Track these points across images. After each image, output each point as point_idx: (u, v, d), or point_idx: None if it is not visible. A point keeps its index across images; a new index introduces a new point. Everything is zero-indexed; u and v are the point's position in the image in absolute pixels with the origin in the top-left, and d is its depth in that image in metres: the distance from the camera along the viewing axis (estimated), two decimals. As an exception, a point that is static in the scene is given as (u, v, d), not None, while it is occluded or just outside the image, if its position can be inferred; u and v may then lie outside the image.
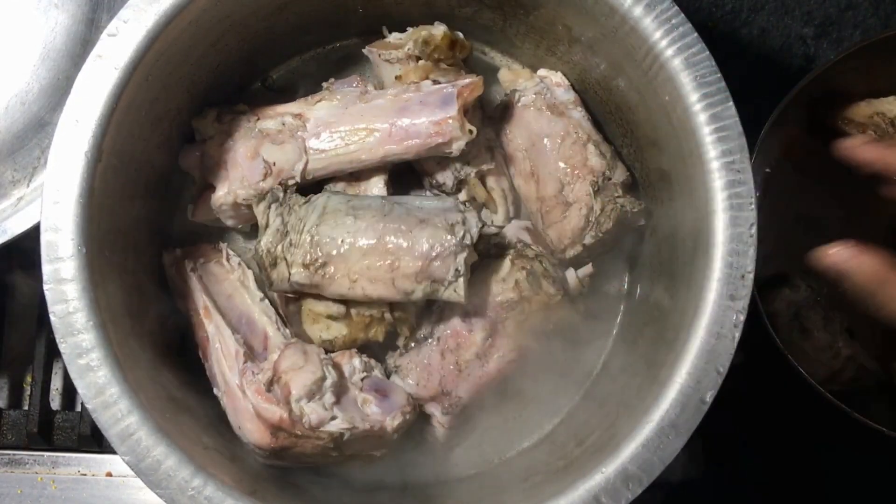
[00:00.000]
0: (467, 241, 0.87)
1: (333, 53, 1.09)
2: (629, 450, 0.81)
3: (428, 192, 1.03)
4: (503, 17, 1.03)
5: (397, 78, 0.99)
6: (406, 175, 1.03)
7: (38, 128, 1.06)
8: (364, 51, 1.02)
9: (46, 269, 0.81)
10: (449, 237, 0.87)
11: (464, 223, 0.88)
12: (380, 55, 1.00)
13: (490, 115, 1.04)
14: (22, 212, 1.00)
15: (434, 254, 0.87)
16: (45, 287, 0.80)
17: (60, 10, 1.07)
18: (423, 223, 0.89)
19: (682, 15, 0.86)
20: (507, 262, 0.93)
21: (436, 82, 0.97)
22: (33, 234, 0.84)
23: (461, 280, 0.87)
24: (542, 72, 1.04)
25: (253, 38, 1.00)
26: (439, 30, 0.98)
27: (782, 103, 1.07)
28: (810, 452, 1.18)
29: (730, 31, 1.24)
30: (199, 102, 0.99)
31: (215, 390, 0.94)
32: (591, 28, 0.93)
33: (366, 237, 0.88)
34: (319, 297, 0.93)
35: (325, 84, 1.02)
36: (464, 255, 0.87)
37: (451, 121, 0.93)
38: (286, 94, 1.03)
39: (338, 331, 0.95)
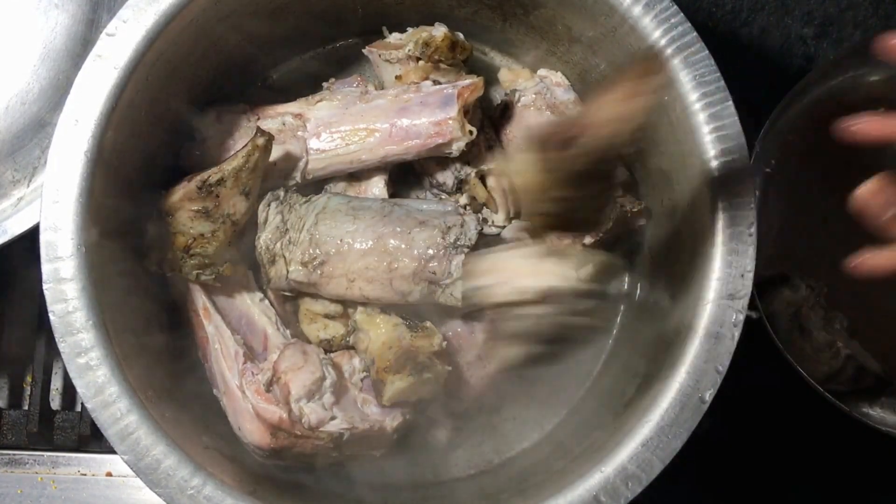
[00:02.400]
0: (462, 242, 0.87)
1: (333, 53, 1.09)
2: (628, 449, 0.81)
3: (428, 193, 1.03)
4: (503, 17, 1.03)
5: (397, 78, 0.99)
6: (406, 175, 1.03)
7: (38, 128, 1.06)
8: (364, 51, 1.02)
9: (46, 268, 0.81)
10: (445, 239, 0.87)
11: (462, 226, 0.88)
12: (380, 55, 1.00)
13: (490, 115, 1.04)
14: (22, 212, 1.00)
15: (430, 254, 0.87)
16: (45, 286, 0.80)
17: (60, 10, 1.07)
18: (421, 225, 0.89)
19: (682, 14, 0.86)
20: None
21: (436, 83, 0.97)
22: (33, 234, 0.84)
23: (458, 283, 0.87)
24: (542, 72, 1.04)
25: (253, 38, 1.00)
26: (440, 31, 0.98)
27: (782, 103, 1.07)
28: (810, 452, 1.18)
29: (730, 31, 1.24)
30: (199, 102, 0.99)
31: (215, 391, 0.93)
32: (590, 28, 0.93)
33: (365, 237, 0.88)
34: (316, 296, 0.93)
35: (325, 84, 1.02)
36: (460, 257, 0.87)
37: (451, 121, 0.93)
38: (286, 94, 1.03)
39: (335, 330, 0.95)
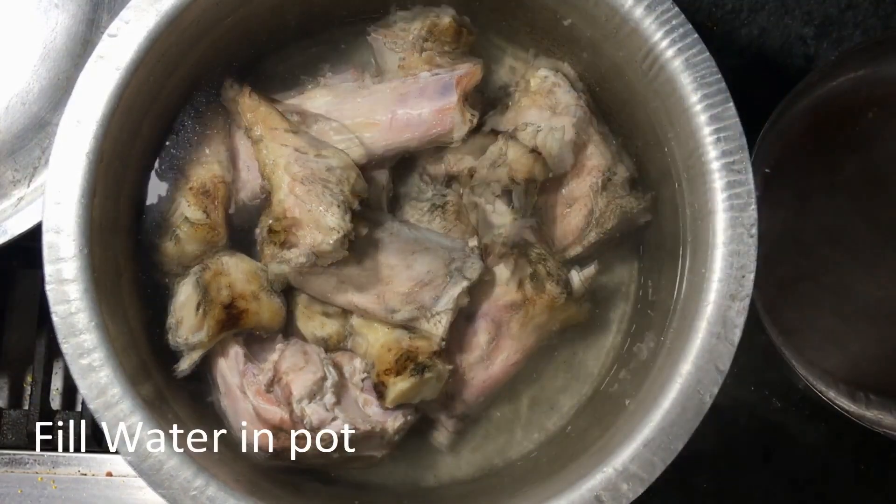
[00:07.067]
0: (463, 279, 0.88)
1: (332, 40, 1.08)
2: (630, 449, 0.81)
3: (436, 219, 1.02)
4: (503, 17, 1.03)
5: (400, 63, 0.98)
6: (406, 171, 1.03)
7: (38, 128, 1.06)
8: (369, 39, 1.01)
9: (48, 269, 0.81)
10: (447, 268, 0.88)
11: (465, 262, 0.89)
12: (384, 42, 0.99)
13: (490, 113, 1.04)
14: (22, 212, 1.00)
15: (427, 280, 0.88)
16: (48, 287, 0.80)
17: (61, 10, 1.07)
18: (426, 251, 0.89)
19: (683, 16, 0.86)
20: (510, 263, 0.93)
21: (437, 68, 0.96)
22: (34, 234, 0.84)
23: (445, 317, 0.88)
24: (542, 72, 1.04)
25: (254, 36, 1.00)
26: (446, 16, 0.97)
27: (782, 103, 1.07)
28: (808, 453, 1.18)
29: (730, 31, 1.24)
30: (200, 102, 0.99)
31: (215, 392, 0.93)
32: (592, 29, 0.93)
33: (368, 246, 0.88)
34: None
35: (321, 79, 1.01)
36: (456, 290, 0.87)
37: (451, 110, 0.92)
38: (286, 92, 1.03)
39: (332, 328, 0.94)
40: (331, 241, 0.84)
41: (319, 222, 0.84)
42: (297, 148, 0.88)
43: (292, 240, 0.85)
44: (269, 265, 0.87)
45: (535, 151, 0.92)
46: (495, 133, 0.97)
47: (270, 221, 0.87)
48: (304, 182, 0.85)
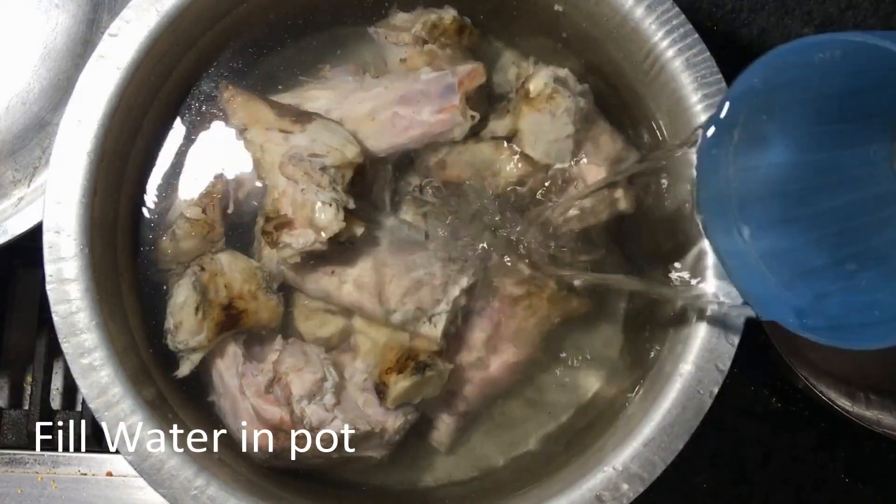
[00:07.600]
0: (462, 278, 0.88)
1: (331, 39, 1.08)
2: (630, 449, 0.81)
3: (424, 185, 1.01)
4: (503, 17, 1.03)
5: (402, 61, 0.98)
6: (406, 170, 1.03)
7: (38, 128, 1.06)
8: (370, 30, 1.01)
9: (49, 268, 0.81)
10: (446, 269, 0.88)
11: (466, 262, 0.89)
12: (386, 37, 0.99)
13: (490, 117, 1.04)
14: (22, 212, 1.00)
15: (426, 280, 0.88)
16: (48, 287, 0.80)
17: (61, 10, 1.07)
18: (426, 251, 0.89)
19: (683, 16, 0.86)
20: (509, 261, 0.93)
21: (440, 69, 0.96)
22: (34, 234, 0.84)
23: (445, 317, 0.88)
24: (542, 76, 1.03)
25: (252, 31, 1.00)
26: (448, 14, 0.97)
27: (782, 103, 1.07)
28: (808, 453, 1.18)
29: (730, 31, 1.24)
30: (200, 100, 0.99)
31: (214, 392, 0.93)
32: (592, 29, 0.93)
33: (369, 245, 0.88)
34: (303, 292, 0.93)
35: (320, 74, 1.01)
36: (456, 290, 0.88)
37: (453, 110, 0.92)
38: (285, 91, 1.03)
39: (333, 327, 0.94)
40: (323, 240, 0.84)
41: (313, 221, 0.84)
42: (292, 147, 0.88)
43: (286, 239, 0.85)
44: (264, 264, 0.87)
45: (532, 157, 0.92)
46: (494, 139, 0.97)
47: (263, 221, 0.87)
48: (299, 181, 0.85)
